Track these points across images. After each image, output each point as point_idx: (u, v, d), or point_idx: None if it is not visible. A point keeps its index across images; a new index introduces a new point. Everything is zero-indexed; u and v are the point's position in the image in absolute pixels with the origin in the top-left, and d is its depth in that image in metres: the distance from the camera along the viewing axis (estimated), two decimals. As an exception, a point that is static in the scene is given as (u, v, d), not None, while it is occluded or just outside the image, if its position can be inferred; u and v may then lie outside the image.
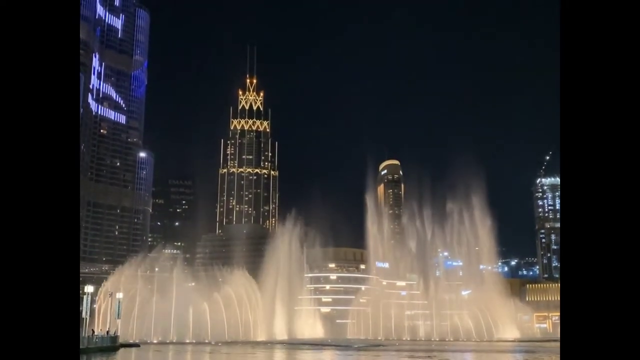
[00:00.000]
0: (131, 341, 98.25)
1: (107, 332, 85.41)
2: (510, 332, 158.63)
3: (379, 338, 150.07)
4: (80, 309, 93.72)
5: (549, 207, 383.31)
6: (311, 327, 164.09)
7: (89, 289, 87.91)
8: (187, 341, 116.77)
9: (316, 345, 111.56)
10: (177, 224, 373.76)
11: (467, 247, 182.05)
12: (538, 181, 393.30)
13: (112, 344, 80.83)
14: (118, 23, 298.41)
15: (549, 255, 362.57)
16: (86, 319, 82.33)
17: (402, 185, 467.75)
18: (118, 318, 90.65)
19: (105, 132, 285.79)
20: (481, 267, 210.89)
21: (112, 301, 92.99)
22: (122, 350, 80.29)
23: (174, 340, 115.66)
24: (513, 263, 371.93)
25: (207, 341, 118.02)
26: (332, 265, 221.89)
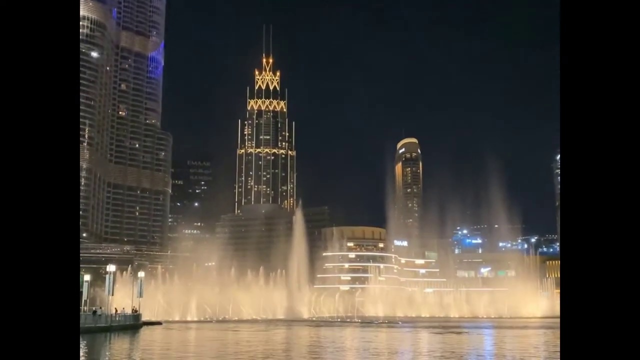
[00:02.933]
0: (153, 320, 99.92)
1: (133, 309, 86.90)
2: (530, 309, 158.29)
3: (398, 316, 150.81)
4: (103, 288, 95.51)
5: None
6: (330, 305, 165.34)
7: (111, 268, 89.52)
8: (207, 319, 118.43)
9: (336, 322, 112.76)
10: (196, 204, 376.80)
11: (486, 224, 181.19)
12: (558, 157, 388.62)
13: (135, 322, 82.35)
14: (134, 4, 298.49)
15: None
16: (109, 297, 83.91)
17: (420, 164, 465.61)
18: (140, 297, 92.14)
19: (123, 114, 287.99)
20: (501, 244, 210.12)
21: (135, 280, 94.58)
22: (144, 328, 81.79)
23: (195, 319, 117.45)
24: (533, 240, 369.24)
25: (227, 319, 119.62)
26: (350, 244, 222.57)
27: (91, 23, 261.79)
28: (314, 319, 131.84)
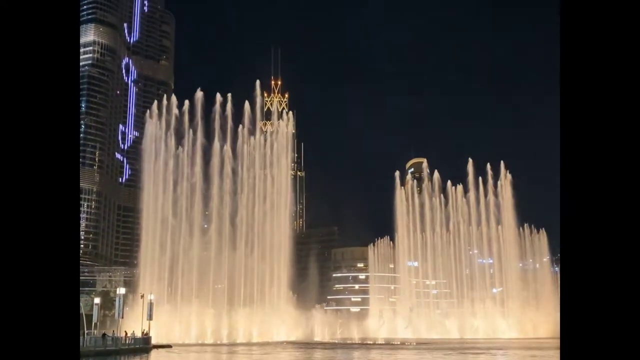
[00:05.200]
0: (163, 343, 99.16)
1: (143, 332, 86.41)
2: (543, 330, 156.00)
3: (410, 337, 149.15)
4: (113, 311, 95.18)
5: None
6: (341, 327, 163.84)
7: (121, 291, 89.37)
8: (217, 342, 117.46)
9: (348, 344, 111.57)
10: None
11: (497, 244, 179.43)
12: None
13: (145, 345, 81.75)
14: (144, 29, 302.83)
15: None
16: (119, 320, 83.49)
17: (430, 183, 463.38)
18: (150, 319, 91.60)
19: (134, 137, 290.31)
20: (512, 264, 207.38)
21: (144, 303, 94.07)
22: (154, 351, 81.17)
23: (205, 342, 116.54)
24: (545, 259, 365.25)
25: (238, 342, 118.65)
26: (360, 265, 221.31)
27: (101, 48, 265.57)
28: (330, 340, 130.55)
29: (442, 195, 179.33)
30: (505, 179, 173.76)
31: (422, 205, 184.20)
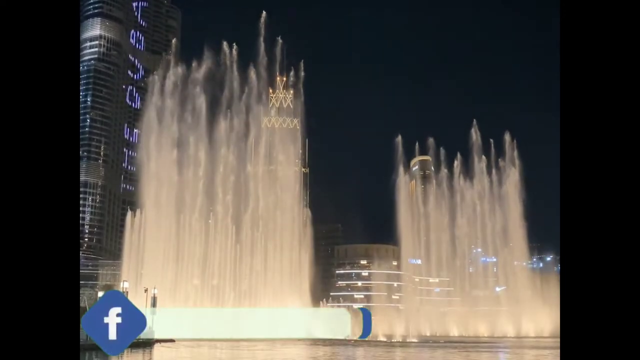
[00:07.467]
0: (166, 337, 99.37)
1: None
2: (546, 328, 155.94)
3: (413, 335, 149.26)
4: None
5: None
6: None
7: (125, 285, 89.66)
8: (220, 338, 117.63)
9: (350, 342, 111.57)
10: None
11: (501, 242, 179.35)
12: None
13: (148, 339, 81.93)
14: (150, 23, 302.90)
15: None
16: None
17: (434, 181, 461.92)
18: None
19: (139, 132, 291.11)
20: (515, 263, 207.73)
21: (147, 297, 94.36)
22: (157, 345, 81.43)
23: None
24: (549, 259, 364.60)
25: (242, 338, 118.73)
26: (364, 262, 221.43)
27: (107, 42, 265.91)
28: (327, 338, 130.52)
29: (448, 183, 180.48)
30: (512, 178, 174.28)
31: (425, 203, 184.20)
